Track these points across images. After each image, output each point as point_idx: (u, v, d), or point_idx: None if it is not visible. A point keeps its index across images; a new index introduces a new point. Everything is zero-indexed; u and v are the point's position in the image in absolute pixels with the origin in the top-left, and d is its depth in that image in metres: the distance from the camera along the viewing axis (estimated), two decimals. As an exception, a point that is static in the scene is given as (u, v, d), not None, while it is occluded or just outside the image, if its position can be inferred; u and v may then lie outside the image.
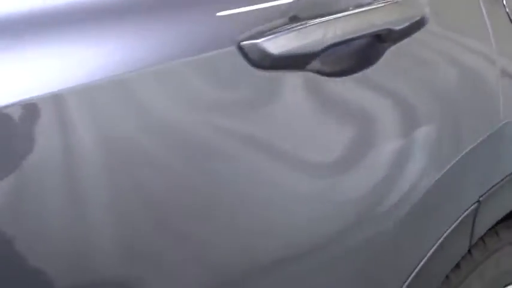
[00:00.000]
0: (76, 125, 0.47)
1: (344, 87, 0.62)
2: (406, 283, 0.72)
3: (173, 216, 0.52)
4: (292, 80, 0.57)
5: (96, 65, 0.48)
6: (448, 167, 0.71)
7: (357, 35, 0.60)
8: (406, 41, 0.66)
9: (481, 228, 0.78)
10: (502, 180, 0.77)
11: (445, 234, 0.74)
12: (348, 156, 0.63)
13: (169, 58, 0.51)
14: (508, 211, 0.82)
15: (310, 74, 0.58)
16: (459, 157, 0.71)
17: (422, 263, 0.73)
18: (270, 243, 0.58)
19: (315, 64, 0.58)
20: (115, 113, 0.49)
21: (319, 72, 0.59)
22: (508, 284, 0.91)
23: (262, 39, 0.54)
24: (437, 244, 0.73)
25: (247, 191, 0.56)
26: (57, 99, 0.46)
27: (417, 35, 0.67)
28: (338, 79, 0.61)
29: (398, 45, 0.65)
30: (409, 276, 0.72)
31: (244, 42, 0.53)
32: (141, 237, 0.50)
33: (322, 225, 0.62)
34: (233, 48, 0.53)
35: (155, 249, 0.51)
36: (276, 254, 0.59)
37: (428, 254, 0.73)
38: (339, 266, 0.65)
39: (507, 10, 0.77)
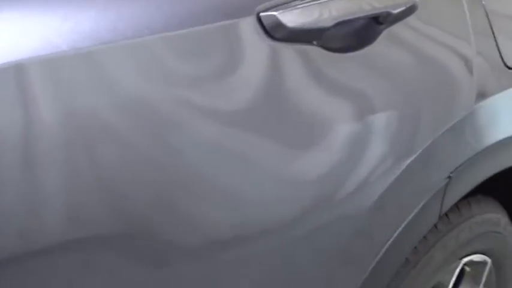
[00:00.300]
0: (37, 97, 0.46)
1: (342, 63, 0.66)
2: (379, 256, 0.76)
3: (131, 193, 0.51)
4: (299, 52, 0.61)
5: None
6: (426, 145, 0.77)
7: (361, 15, 0.64)
8: (398, 24, 0.71)
9: (449, 202, 0.85)
10: (472, 157, 0.84)
11: (418, 207, 0.80)
12: (328, 133, 0.65)
13: (188, 25, 0.52)
14: (474, 185, 0.90)
15: (315, 48, 0.62)
16: (437, 136, 0.77)
17: (394, 236, 0.78)
18: (232, 220, 0.58)
19: (322, 39, 0.62)
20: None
21: (324, 47, 0.63)
22: (464, 257, 1.00)
23: (279, 11, 0.57)
24: (409, 218, 0.79)
25: (211, 166, 0.55)
26: (19, 69, 0.44)
27: (407, 20, 0.72)
28: (338, 55, 0.65)
29: (392, 27, 0.70)
30: (382, 249, 0.76)
31: (263, 13, 0.56)
32: (96, 213, 0.49)
33: (289, 203, 0.63)
34: (252, 18, 0.56)
35: (109, 224, 0.51)
36: (235, 233, 0.59)
37: (400, 228, 0.78)
38: (312, 245, 0.67)
39: (483, 2, 0.84)
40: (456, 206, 0.95)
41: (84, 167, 0.48)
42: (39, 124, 0.46)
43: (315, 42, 0.61)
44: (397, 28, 0.71)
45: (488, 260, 1.06)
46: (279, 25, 0.57)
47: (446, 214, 0.93)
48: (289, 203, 0.63)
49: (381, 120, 0.71)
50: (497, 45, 0.85)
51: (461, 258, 0.99)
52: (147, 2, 0.52)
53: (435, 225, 0.91)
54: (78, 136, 0.47)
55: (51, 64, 0.46)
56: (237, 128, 0.57)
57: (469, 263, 1.02)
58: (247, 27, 0.56)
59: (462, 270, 1.02)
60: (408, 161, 0.75)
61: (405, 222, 0.80)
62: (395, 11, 0.67)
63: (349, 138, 0.67)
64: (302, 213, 0.65)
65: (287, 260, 0.65)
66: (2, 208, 0.45)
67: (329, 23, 0.60)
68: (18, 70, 0.44)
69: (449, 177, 0.82)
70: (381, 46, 0.68)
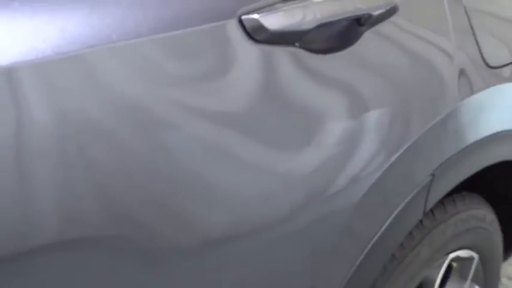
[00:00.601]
0: (29, 99, 0.47)
1: (324, 65, 0.68)
2: (365, 251, 0.78)
3: (124, 191, 0.52)
4: (281, 54, 0.62)
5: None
6: (409, 143, 0.79)
7: (343, 17, 0.66)
8: (379, 25, 0.73)
9: (433, 199, 0.87)
10: (455, 154, 0.86)
11: (402, 204, 0.82)
12: (312, 133, 0.67)
13: (172, 28, 0.54)
14: (457, 183, 0.91)
15: (297, 50, 0.63)
16: (419, 135, 0.79)
17: (379, 232, 0.80)
18: (220, 218, 0.60)
19: (303, 41, 0.63)
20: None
21: (305, 48, 0.64)
22: (450, 252, 1.02)
23: (260, 14, 0.59)
24: (394, 214, 0.80)
25: (201, 164, 0.57)
26: (10, 72, 0.46)
27: (389, 21, 0.74)
28: (319, 56, 0.66)
29: (373, 29, 0.72)
30: (368, 245, 0.78)
31: (245, 16, 0.58)
32: (89, 213, 0.50)
33: (277, 201, 0.64)
34: (234, 21, 0.57)
35: (103, 224, 0.52)
36: (224, 230, 0.60)
37: (386, 224, 0.80)
38: (298, 241, 0.68)
39: (464, 4, 0.86)
40: (441, 202, 0.97)
41: (76, 168, 0.49)
42: (31, 127, 0.47)
43: (297, 44, 0.63)
44: (378, 28, 0.73)
45: (476, 255, 1.08)
46: (260, 27, 0.59)
47: (431, 210, 0.95)
48: (277, 201, 0.64)
49: (364, 119, 0.73)
50: (477, 44, 0.87)
51: (447, 254, 1.00)
52: (132, 6, 0.53)
53: (421, 222, 0.93)
54: (70, 138, 0.49)
55: (41, 68, 0.47)
56: (222, 126, 0.58)
57: (456, 259, 1.04)
58: (230, 30, 0.57)
59: (449, 266, 1.04)
60: (392, 158, 0.76)
61: (390, 219, 0.81)
62: (376, 13, 0.69)
63: (333, 137, 0.69)
64: (290, 210, 0.66)
65: (274, 256, 0.66)
66: None
67: (310, 25, 0.62)
68: (9, 74, 0.46)
69: (433, 174, 0.84)
70: (362, 46, 0.70)
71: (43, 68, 0.47)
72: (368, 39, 0.71)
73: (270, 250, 0.66)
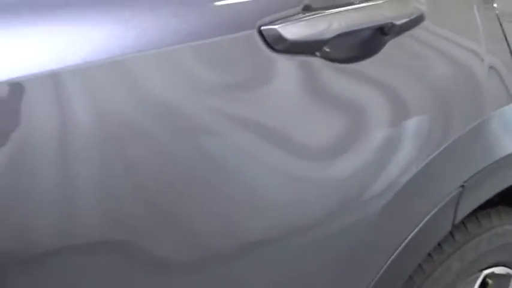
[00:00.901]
0: (72, 102, 0.50)
1: (347, 74, 0.68)
2: (390, 260, 0.77)
3: (161, 193, 0.55)
4: (302, 63, 0.63)
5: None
6: (436, 153, 0.77)
7: (363, 26, 0.66)
8: (404, 35, 0.72)
9: (463, 211, 0.85)
10: (486, 167, 0.84)
11: (428, 216, 0.80)
12: (341, 140, 0.67)
13: (192, 39, 0.56)
14: (489, 196, 0.89)
15: (318, 59, 0.64)
16: (447, 144, 0.78)
17: (406, 242, 0.79)
18: (256, 223, 0.61)
19: (324, 51, 0.64)
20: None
21: (327, 58, 0.65)
22: (485, 268, 0.98)
23: (280, 25, 0.60)
24: (421, 224, 0.79)
25: (239, 169, 0.59)
26: (55, 77, 0.49)
27: (415, 31, 0.74)
28: (342, 66, 0.67)
29: (398, 38, 0.72)
30: (393, 253, 0.77)
31: (264, 27, 0.59)
32: (128, 209, 0.53)
33: (309, 207, 0.66)
34: (254, 32, 0.59)
35: (142, 222, 0.54)
36: (261, 234, 0.62)
37: (412, 233, 0.78)
38: (325, 247, 0.69)
39: (497, 12, 0.84)
40: (475, 216, 0.94)
41: (116, 169, 0.52)
42: (75, 128, 0.50)
43: (317, 54, 0.64)
44: (405, 37, 0.72)
45: (513, 272, 1.04)
46: (280, 38, 0.60)
47: (464, 224, 0.93)
48: (312, 206, 0.66)
49: (390, 128, 0.72)
50: (510, 51, 0.85)
51: (482, 270, 0.97)
52: (155, 18, 0.56)
53: (452, 235, 0.91)
54: (111, 140, 0.52)
55: (85, 72, 0.50)
56: (246, 131, 0.59)
57: (491, 275, 1.00)
58: (250, 40, 0.59)
59: (484, 283, 1.01)
60: (420, 167, 0.76)
61: (417, 228, 0.80)
62: (399, 22, 0.69)
63: (357, 146, 0.69)
64: (321, 216, 0.67)
65: (305, 261, 0.67)
66: (39, 206, 0.49)
67: (330, 34, 0.63)
68: (54, 77, 0.49)
69: (463, 186, 0.82)
70: (385, 56, 0.70)
71: (87, 72, 0.50)
72: (393, 48, 0.71)
73: (301, 255, 0.67)
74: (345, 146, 0.68)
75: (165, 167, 0.55)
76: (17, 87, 0.48)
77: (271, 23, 0.60)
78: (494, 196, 0.92)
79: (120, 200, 0.53)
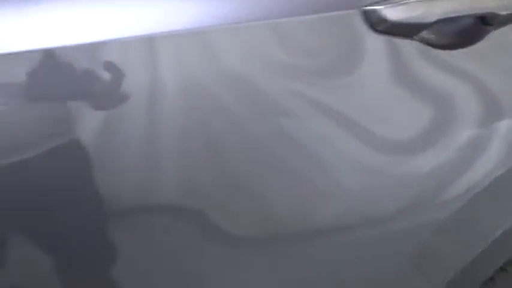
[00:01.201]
0: (162, 66, 0.53)
1: (442, 62, 0.69)
2: (461, 267, 0.75)
3: (237, 168, 0.57)
4: (400, 45, 0.65)
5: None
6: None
7: (464, 13, 0.67)
8: (508, 27, 0.72)
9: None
10: None
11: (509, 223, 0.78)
12: (426, 133, 0.67)
13: (294, 13, 0.59)
14: None
15: (416, 43, 0.66)
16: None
17: (489, 241, 0.77)
18: (328, 209, 0.62)
19: (423, 35, 0.66)
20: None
21: (424, 42, 0.67)
22: None
23: (383, 6, 0.63)
24: (500, 231, 0.77)
25: (318, 153, 0.60)
26: (151, 41, 0.52)
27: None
28: (438, 52, 0.68)
29: (499, 30, 0.71)
30: (466, 260, 0.75)
31: (367, 7, 0.62)
32: (205, 180, 0.56)
33: (383, 200, 0.66)
34: (356, 12, 0.62)
35: (216, 194, 0.56)
36: (332, 220, 0.63)
37: (489, 241, 0.76)
38: (396, 241, 0.69)
39: None
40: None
41: (196, 138, 0.55)
42: (162, 94, 0.53)
43: (415, 38, 0.66)
44: (506, 30, 0.71)
45: None
46: (381, 19, 0.63)
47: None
48: (387, 199, 0.66)
49: (479, 127, 0.71)
50: None
51: None
52: None
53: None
54: (193, 111, 0.54)
55: (174, 40, 0.53)
56: (338, 119, 0.61)
57: None
58: (352, 19, 0.62)
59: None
60: (505, 170, 0.73)
61: (501, 230, 0.78)
62: (503, 13, 0.69)
63: (442, 142, 0.68)
64: (398, 211, 0.68)
65: (371, 254, 0.68)
66: (124, 164, 0.53)
67: (430, 19, 0.64)
68: (148, 41, 0.53)
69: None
70: (484, 47, 0.70)
71: (176, 39, 0.53)
72: (494, 40, 0.71)
73: (370, 247, 0.68)
74: (430, 139, 0.67)
75: (243, 143, 0.57)
76: (123, 47, 0.51)
77: (374, 3, 0.63)
78: None
79: (198, 170, 0.56)
